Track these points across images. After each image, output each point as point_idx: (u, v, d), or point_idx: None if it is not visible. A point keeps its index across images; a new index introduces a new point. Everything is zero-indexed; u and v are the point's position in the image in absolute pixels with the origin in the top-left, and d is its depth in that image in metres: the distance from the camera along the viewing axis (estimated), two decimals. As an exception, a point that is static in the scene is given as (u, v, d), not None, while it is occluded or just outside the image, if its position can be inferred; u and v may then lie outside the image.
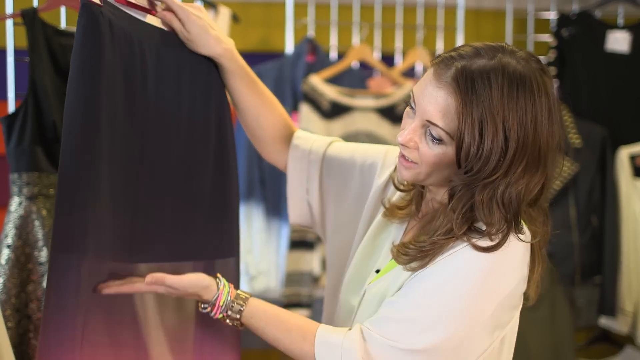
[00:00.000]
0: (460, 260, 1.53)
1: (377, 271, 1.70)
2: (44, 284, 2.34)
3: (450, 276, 1.53)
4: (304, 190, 1.90)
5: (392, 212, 1.74)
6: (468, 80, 1.47)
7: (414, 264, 1.57)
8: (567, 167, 3.55)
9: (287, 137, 1.94)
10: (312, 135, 1.95)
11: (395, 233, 1.73)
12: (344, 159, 1.89)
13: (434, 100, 1.51)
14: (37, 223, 2.36)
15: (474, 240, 1.53)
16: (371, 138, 3.54)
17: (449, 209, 1.56)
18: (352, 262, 1.78)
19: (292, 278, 3.42)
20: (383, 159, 1.85)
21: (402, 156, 1.60)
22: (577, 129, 3.60)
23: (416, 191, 1.72)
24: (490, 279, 1.53)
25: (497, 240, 1.53)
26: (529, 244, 1.59)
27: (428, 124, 1.53)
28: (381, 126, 3.54)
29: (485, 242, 1.53)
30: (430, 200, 1.69)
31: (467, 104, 1.47)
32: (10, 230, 2.36)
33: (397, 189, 1.75)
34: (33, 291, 2.34)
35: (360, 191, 1.86)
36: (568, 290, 3.63)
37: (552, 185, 1.59)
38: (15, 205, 2.38)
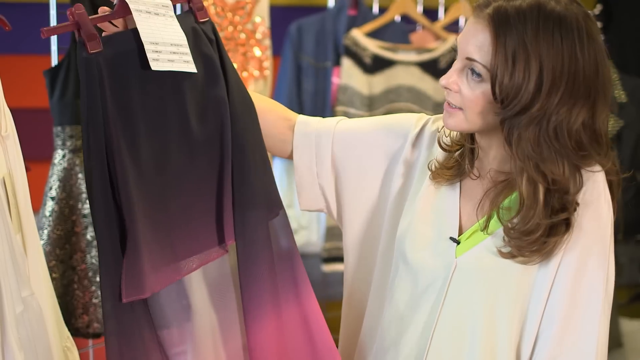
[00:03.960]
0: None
1: (453, 239, 1.67)
2: (88, 236, 2.37)
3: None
4: (314, 174, 1.84)
5: (440, 173, 1.71)
6: (503, 15, 1.50)
7: (528, 260, 1.58)
8: (611, 122, 3.51)
9: (289, 127, 1.86)
10: (314, 118, 1.88)
11: (451, 196, 1.69)
12: (363, 131, 1.83)
13: (471, 36, 1.54)
14: (80, 176, 2.38)
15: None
16: (413, 93, 3.51)
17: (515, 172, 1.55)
18: (407, 234, 1.71)
19: (333, 232, 3.42)
20: (415, 123, 1.80)
21: (447, 103, 1.60)
22: (622, 85, 3.55)
23: (466, 148, 1.69)
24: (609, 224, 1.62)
25: (579, 185, 1.56)
26: (604, 179, 1.61)
27: (468, 62, 1.55)
28: (423, 81, 3.51)
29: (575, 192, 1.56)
30: (485, 160, 1.66)
31: (501, 35, 1.50)
32: (54, 182, 2.39)
33: (444, 149, 1.72)
34: (77, 243, 2.37)
35: (389, 161, 1.81)
36: (610, 248, 3.60)
37: (606, 120, 1.58)
38: (59, 158, 2.41)
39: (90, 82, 1.49)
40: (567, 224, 1.55)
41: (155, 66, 1.52)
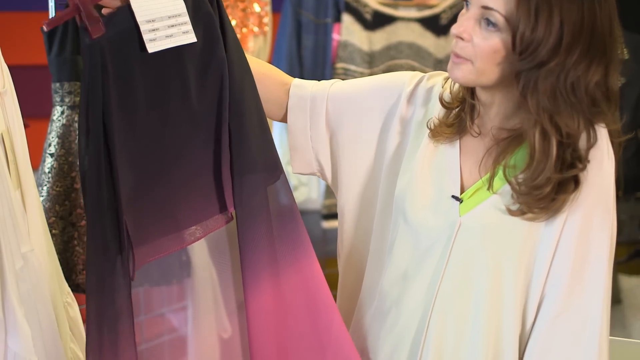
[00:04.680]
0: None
1: (456, 197, 1.65)
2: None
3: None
4: (307, 137, 1.83)
5: (439, 131, 1.69)
6: None
7: (536, 217, 1.57)
8: (613, 80, 3.49)
9: (286, 92, 1.85)
10: (309, 81, 1.86)
11: (451, 153, 1.68)
12: (356, 90, 1.82)
13: None
14: (79, 132, 2.38)
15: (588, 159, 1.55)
16: (414, 49, 3.49)
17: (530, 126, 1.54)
18: (407, 193, 1.70)
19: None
20: (409, 80, 1.78)
21: (455, 54, 1.58)
22: (624, 41, 3.52)
23: (467, 104, 1.68)
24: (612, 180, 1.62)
25: (593, 140, 1.56)
26: (607, 138, 1.61)
27: (484, 10, 1.52)
28: (424, 37, 3.49)
29: (584, 143, 1.55)
30: (486, 117, 1.65)
31: None
32: (53, 139, 2.39)
33: (444, 106, 1.70)
34: (76, 199, 2.37)
35: (384, 119, 1.79)
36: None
37: (617, 80, 1.57)
38: (58, 114, 2.40)
39: (93, 69, 1.48)
40: (575, 182, 1.55)
41: (152, 47, 1.50)
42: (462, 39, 1.55)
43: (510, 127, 1.61)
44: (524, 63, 1.50)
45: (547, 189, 1.53)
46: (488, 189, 1.60)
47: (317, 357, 1.67)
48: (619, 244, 3.96)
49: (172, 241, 1.61)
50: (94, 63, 1.47)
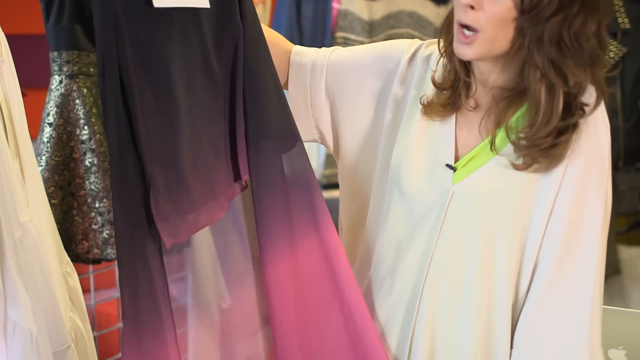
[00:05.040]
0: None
1: (449, 166, 1.66)
2: (87, 162, 2.37)
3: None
4: (308, 104, 1.84)
5: (433, 108, 1.69)
6: None
7: (540, 167, 1.59)
8: (614, 49, 3.48)
9: (287, 59, 1.86)
10: (310, 49, 1.87)
11: (446, 124, 1.68)
12: (356, 58, 1.82)
13: None
14: (78, 101, 2.37)
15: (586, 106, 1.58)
16: (414, 18, 3.48)
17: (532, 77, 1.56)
18: (402, 163, 1.71)
19: (332, 159, 3.42)
20: (407, 47, 1.78)
21: (461, 33, 1.57)
22: (626, 11, 3.51)
23: (461, 82, 1.68)
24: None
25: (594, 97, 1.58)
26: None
27: None
28: (425, 6, 3.47)
29: (590, 98, 1.58)
30: (482, 90, 1.65)
31: None
32: (51, 108, 2.38)
33: (437, 87, 1.69)
34: (75, 169, 2.37)
35: (383, 87, 1.79)
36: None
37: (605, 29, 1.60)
38: (56, 83, 2.39)
39: (105, 27, 1.45)
40: (574, 124, 1.58)
41: (158, 2, 1.48)
42: (472, 7, 1.54)
43: (510, 87, 1.62)
44: (532, 20, 1.52)
45: (550, 138, 1.56)
46: (491, 149, 1.61)
47: (336, 325, 1.67)
48: (619, 214, 3.98)
49: (209, 212, 1.61)
50: (106, 21, 1.45)
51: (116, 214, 1.51)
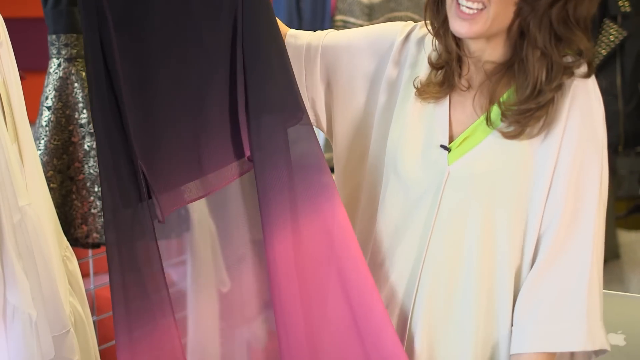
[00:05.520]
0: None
1: (444, 147, 1.65)
2: (85, 146, 2.36)
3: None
4: (303, 86, 1.82)
5: (426, 90, 1.69)
6: None
7: (530, 131, 1.60)
8: (614, 33, 3.46)
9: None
10: (305, 32, 1.86)
11: (440, 105, 1.68)
12: (350, 41, 1.81)
13: None
14: (76, 85, 2.36)
15: (580, 70, 1.60)
16: (413, 1, 3.46)
17: (529, 53, 1.58)
18: (398, 146, 1.70)
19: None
20: (401, 29, 1.77)
21: (461, 10, 1.56)
22: (627, -6, 3.49)
23: (454, 64, 1.67)
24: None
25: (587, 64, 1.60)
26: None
27: None
28: (424, -10, 3.46)
29: (584, 68, 1.61)
30: (476, 68, 1.65)
31: None
32: (50, 92, 2.37)
33: (433, 66, 1.69)
34: (74, 152, 2.36)
35: (376, 70, 1.78)
36: (610, 160, 3.59)
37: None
38: (54, 67, 2.38)
39: (88, 13, 1.46)
40: (558, 85, 1.60)
41: None
42: None
43: (501, 61, 1.63)
44: (539, 2, 1.54)
45: (535, 102, 1.59)
46: (487, 124, 1.62)
47: (341, 304, 1.65)
48: (619, 199, 3.97)
49: (197, 187, 1.60)
50: (89, 6, 1.46)
51: (104, 196, 1.51)
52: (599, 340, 1.60)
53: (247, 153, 1.63)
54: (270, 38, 1.63)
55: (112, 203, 1.51)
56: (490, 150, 1.63)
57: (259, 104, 1.61)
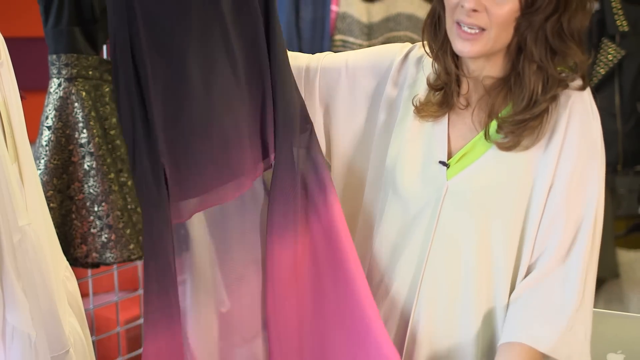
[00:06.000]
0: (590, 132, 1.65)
1: (443, 163, 1.67)
2: (85, 166, 2.36)
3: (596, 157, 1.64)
4: None
5: (425, 109, 1.70)
6: None
7: (526, 142, 1.61)
8: (612, 52, 3.48)
9: None
10: (301, 54, 1.88)
11: (439, 123, 1.69)
12: (348, 64, 1.83)
13: None
14: (76, 105, 2.37)
15: (575, 83, 1.63)
16: (412, 21, 3.48)
17: (525, 65, 1.61)
18: (397, 163, 1.72)
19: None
20: (399, 49, 1.80)
21: (462, 31, 1.58)
22: (624, 13, 3.51)
23: (452, 84, 1.69)
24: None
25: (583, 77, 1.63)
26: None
27: None
28: (423, 8, 3.47)
29: (579, 80, 1.63)
30: (474, 86, 1.66)
31: None
32: (50, 112, 2.38)
33: (432, 88, 1.71)
34: (74, 172, 2.37)
35: (375, 91, 1.80)
36: (609, 179, 3.60)
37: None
38: (55, 86, 2.39)
39: (117, 4, 1.46)
40: (552, 96, 1.63)
41: None
42: (476, 11, 1.57)
43: (500, 76, 1.66)
44: (535, 18, 1.57)
45: (529, 113, 1.61)
46: (486, 138, 1.63)
47: (337, 317, 1.67)
48: (618, 217, 3.96)
49: (228, 190, 1.62)
50: (119, 1, 1.46)
51: (138, 192, 1.54)
52: (576, 355, 1.60)
53: (272, 154, 1.67)
54: (285, 53, 1.69)
55: (143, 200, 1.54)
56: (489, 164, 1.64)
57: (282, 115, 1.66)
